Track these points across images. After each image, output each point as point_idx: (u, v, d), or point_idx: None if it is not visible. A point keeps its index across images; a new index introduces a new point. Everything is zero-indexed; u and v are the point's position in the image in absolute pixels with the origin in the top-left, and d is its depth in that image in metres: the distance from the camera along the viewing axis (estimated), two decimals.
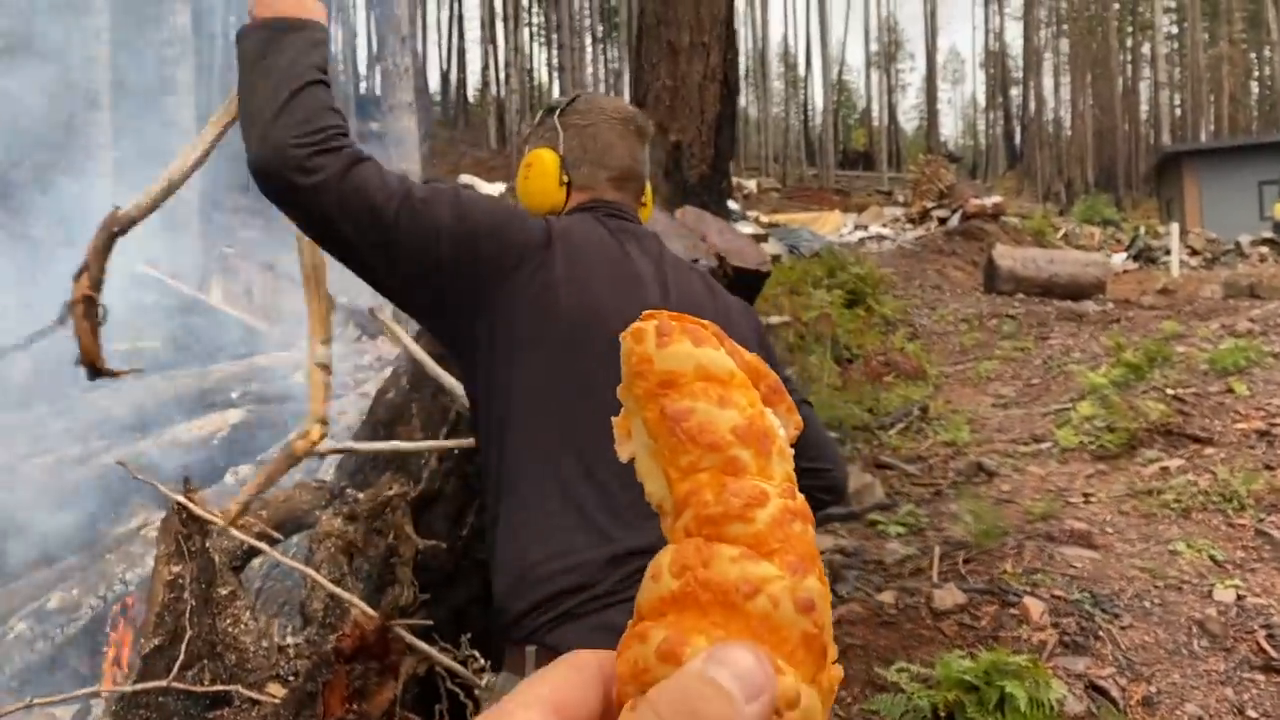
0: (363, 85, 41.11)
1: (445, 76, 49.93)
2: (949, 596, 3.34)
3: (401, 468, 2.00)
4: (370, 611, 1.52)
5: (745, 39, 49.66)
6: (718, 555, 0.35)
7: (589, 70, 39.66)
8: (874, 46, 57.95)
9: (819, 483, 1.68)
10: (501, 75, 41.95)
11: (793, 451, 0.40)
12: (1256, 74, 54.67)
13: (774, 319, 6.22)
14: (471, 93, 50.31)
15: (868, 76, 60.56)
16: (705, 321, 0.41)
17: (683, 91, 5.96)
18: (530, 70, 47.92)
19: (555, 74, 36.69)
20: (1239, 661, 2.96)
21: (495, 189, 18.03)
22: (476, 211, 1.48)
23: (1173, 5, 50.64)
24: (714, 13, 5.92)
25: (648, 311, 0.41)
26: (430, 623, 1.69)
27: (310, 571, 1.60)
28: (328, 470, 2.77)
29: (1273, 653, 2.96)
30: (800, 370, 7.34)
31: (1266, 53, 50.90)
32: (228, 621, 1.71)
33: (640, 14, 5.90)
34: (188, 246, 7.82)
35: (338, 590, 1.56)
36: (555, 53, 34.74)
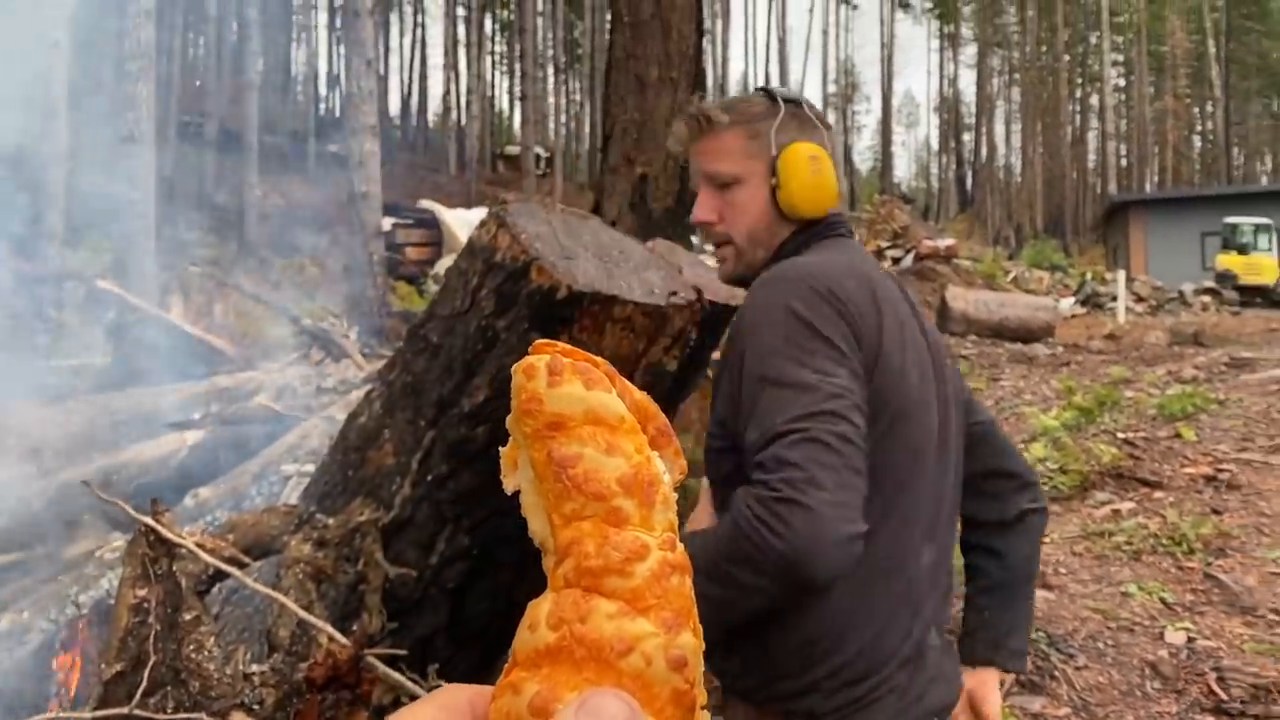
0: (323, 107, 40.96)
1: (406, 101, 49.84)
2: None
3: (372, 493, 1.98)
4: (342, 639, 1.50)
5: (707, 75, 50.17)
6: (594, 611, 0.35)
7: (551, 100, 39.85)
8: (831, 87, 58.91)
9: (1013, 484, 1.66)
10: (463, 102, 41.98)
11: (675, 497, 0.40)
12: (1199, 128, 56.41)
13: None
14: (432, 118, 50.28)
15: None
16: (597, 359, 0.40)
17: (650, 125, 6.01)
18: (492, 98, 48.02)
19: (517, 103, 36.95)
20: (1190, 704, 3.00)
21: (454, 215, 17.98)
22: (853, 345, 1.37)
23: (1121, 59, 52.20)
24: (682, 49, 5.99)
25: (540, 342, 0.40)
26: (403, 652, 1.66)
27: (281, 597, 1.57)
28: (290, 494, 2.73)
29: (1223, 695, 3.02)
30: None
31: (1209, 108, 52.61)
32: (192, 647, 1.68)
33: (610, 47, 5.95)
34: (144, 264, 7.70)
35: (309, 617, 1.54)
36: (517, 82, 34.96)
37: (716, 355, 1.73)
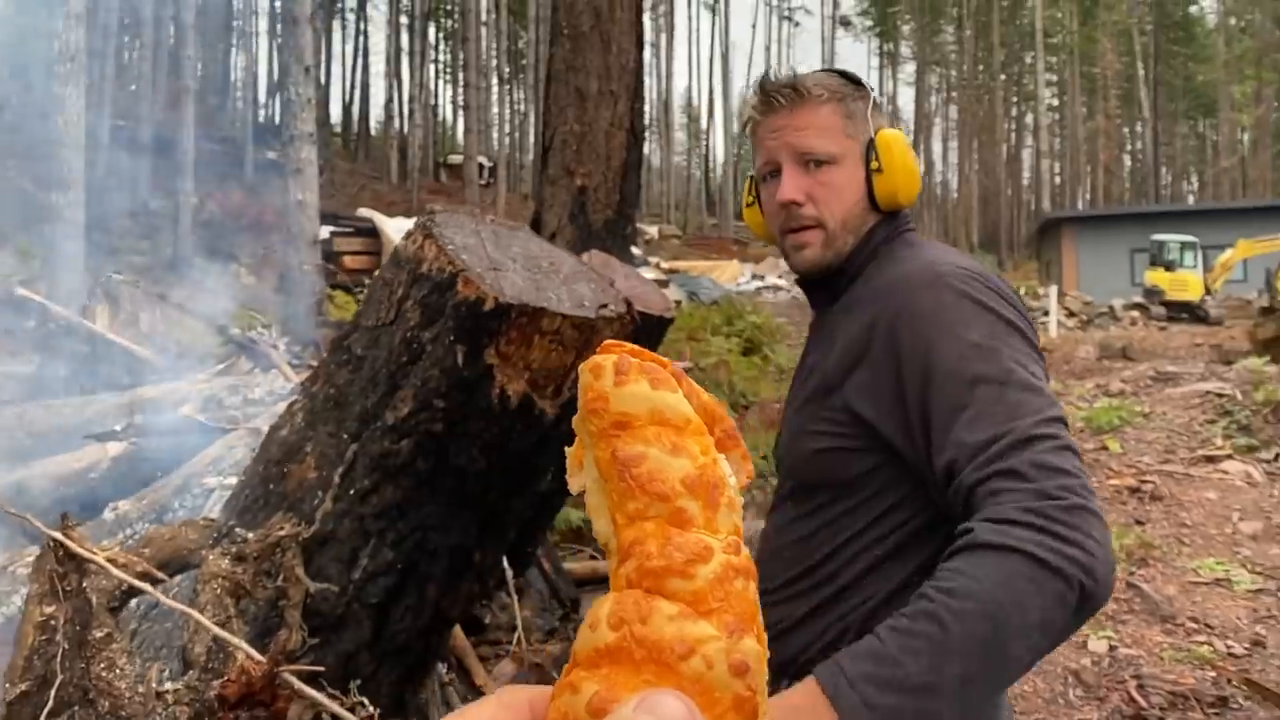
0: (262, 113, 40.33)
1: (348, 109, 49.33)
2: None
3: (294, 507, 1.95)
4: (257, 656, 1.47)
5: (650, 88, 50.44)
6: (656, 612, 0.35)
7: (494, 110, 39.71)
8: None
9: None
10: (405, 110, 41.65)
11: (741, 500, 0.39)
12: (1129, 147, 58.06)
13: (675, 365, 6.34)
14: (374, 126, 49.80)
15: None
16: (664, 360, 0.40)
17: (589, 137, 6.02)
18: (435, 107, 47.71)
19: (460, 112, 36.75)
20: (1111, 711, 3.07)
21: (394, 224, 17.80)
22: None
23: (1054, 79, 53.53)
24: (623, 63, 6.02)
25: (608, 342, 0.40)
26: (320, 669, 1.63)
27: (193, 613, 1.54)
28: (214, 508, 2.67)
29: (1143, 702, 3.09)
30: None
31: (1139, 128, 54.17)
32: (102, 666, 1.63)
33: (550, 59, 5.95)
34: (71, 270, 7.50)
35: (223, 633, 1.50)
36: (460, 91, 34.79)
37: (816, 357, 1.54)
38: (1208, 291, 22.69)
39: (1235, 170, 52.46)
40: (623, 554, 0.37)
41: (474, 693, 2.76)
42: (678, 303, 13.64)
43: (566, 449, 0.41)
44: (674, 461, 0.37)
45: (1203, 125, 59.37)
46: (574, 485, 0.41)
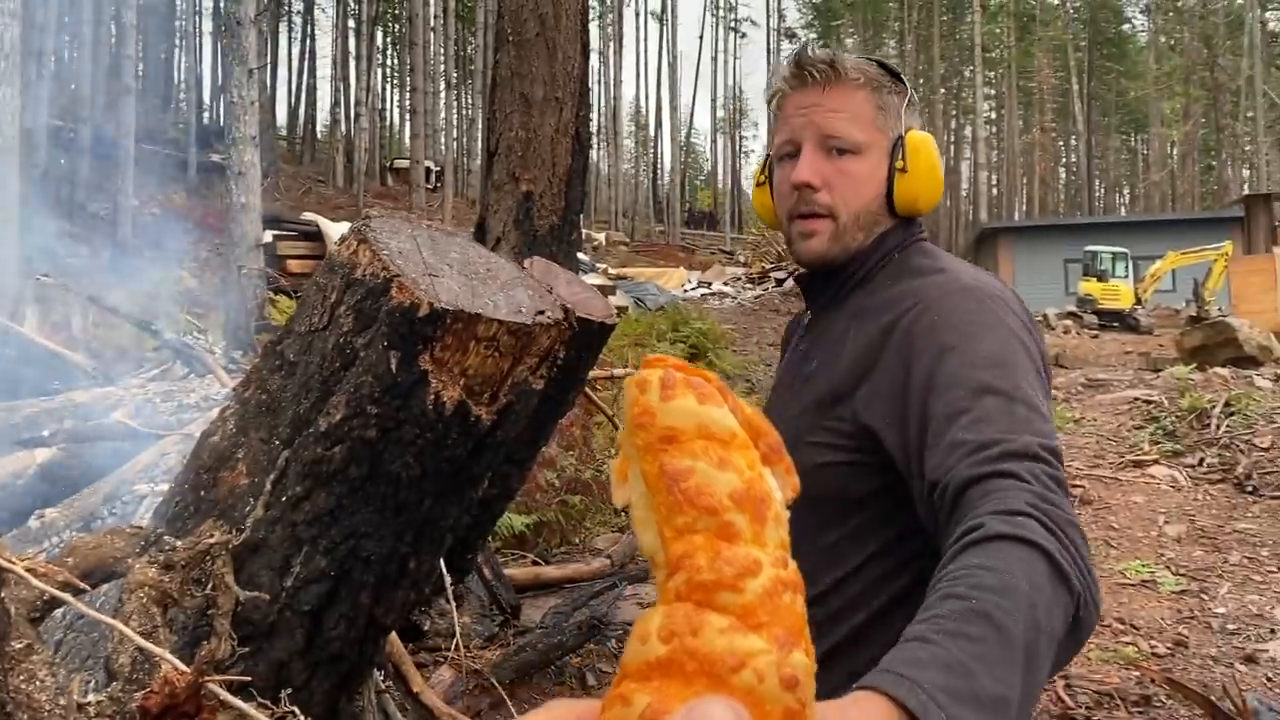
0: (206, 116, 39.65)
1: (294, 111, 48.66)
2: None
3: (224, 514, 1.92)
4: (181, 666, 1.45)
5: (598, 96, 50.55)
6: (707, 625, 0.35)
7: (442, 115, 39.44)
8: (721, 113, 59.98)
9: None
10: (352, 114, 41.21)
11: (787, 515, 0.40)
12: (1064, 160, 59.42)
13: (617, 371, 6.34)
14: (320, 129, 49.19)
15: (714, 141, 62.53)
16: (709, 375, 0.40)
17: (535, 144, 6.02)
18: (382, 111, 47.28)
19: (408, 116, 36.42)
20: (1039, 711, 3.14)
21: (339, 228, 17.60)
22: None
23: (992, 93, 54.63)
24: (568, 70, 6.03)
25: (653, 357, 0.41)
26: (248, 679, 1.62)
27: (116, 623, 1.51)
28: (145, 515, 2.63)
29: (1069, 701, 3.16)
30: None
31: (1073, 141, 55.48)
32: (21, 678, 1.60)
33: (495, 65, 5.94)
34: (2, 273, 7.30)
35: (145, 643, 1.48)
36: (408, 96, 34.50)
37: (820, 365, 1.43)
38: (1138, 301, 23.34)
39: (1165, 184, 53.90)
40: (671, 567, 0.37)
41: (411, 700, 2.75)
42: (624, 309, 13.67)
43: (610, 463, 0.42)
44: (721, 475, 0.37)
45: (1134, 140, 61.01)
46: (618, 499, 0.41)
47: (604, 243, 34.28)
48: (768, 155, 1.53)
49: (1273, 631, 4.40)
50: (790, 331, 1.72)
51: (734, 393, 0.41)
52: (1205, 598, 4.75)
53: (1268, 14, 47.76)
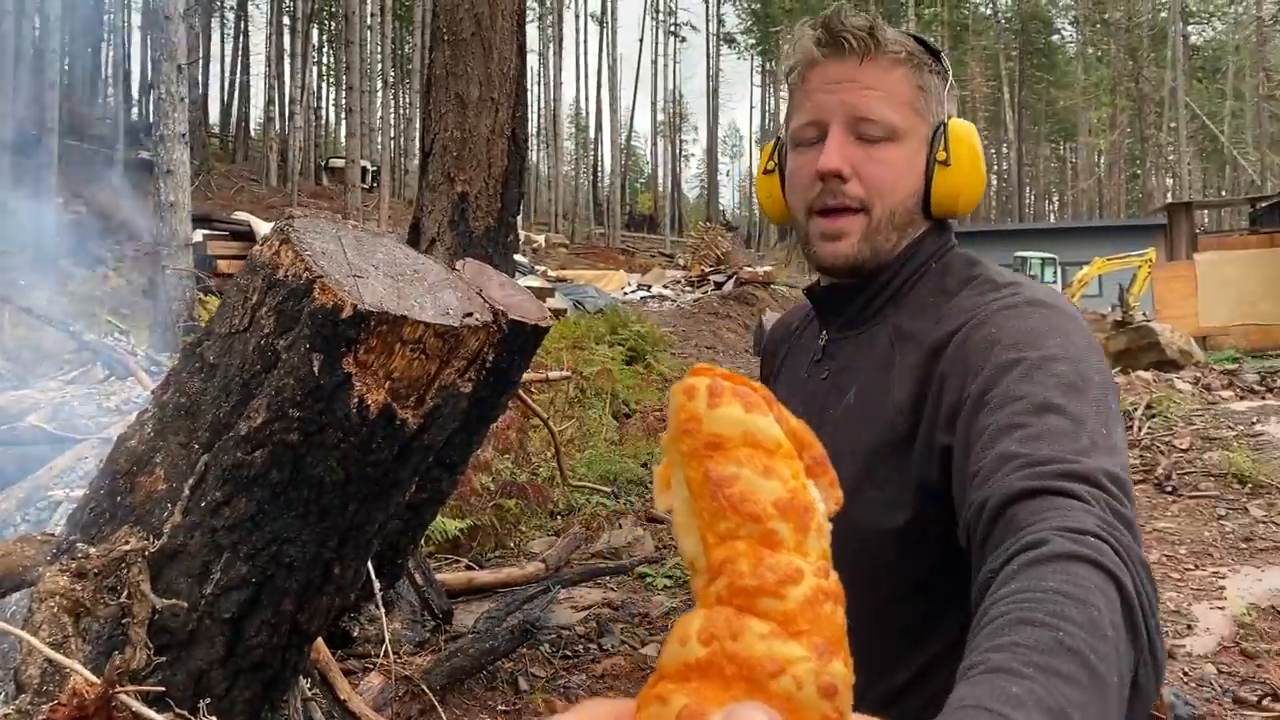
0: (135, 111, 38.69)
1: (226, 108, 47.69)
2: None
3: (141, 521, 1.88)
4: (91, 677, 1.41)
5: (537, 97, 50.40)
6: (747, 630, 0.35)
7: (379, 115, 38.97)
8: (661, 116, 60.21)
9: None
10: (286, 112, 40.54)
11: (830, 527, 0.39)
12: (996, 168, 60.69)
13: (554, 374, 6.32)
14: (254, 127, 48.28)
15: (654, 144, 62.78)
16: (755, 385, 0.40)
17: (470, 144, 5.98)
18: (318, 109, 46.58)
19: (344, 115, 35.91)
20: None
21: (271, 228, 17.31)
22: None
23: None
24: (504, 70, 5.99)
25: (700, 366, 0.41)
26: (162, 689, 1.58)
27: (23, 634, 1.47)
28: (60, 522, 2.55)
29: None
30: (578, 425, 7.42)
31: (1005, 149, 56.72)
32: None
33: (429, 64, 5.89)
34: None
35: (54, 654, 1.44)
36: (344, 94, 33.99)
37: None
38: None
39: (1093, 191, 55.42)
40: (713, 572, 0.37)
41: (338, 708, 2.70)
42: (562, 311, 13.64)
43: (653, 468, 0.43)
44: (766, 484, 0.38)
45: (1063, 148, 62.63)
46: (661, 504, 0.41)
47: (544, 245, 34.16)
48: (777, 138, 1.33)
49: (1189, 627, 4.54)
50: (777, 344, 1.53)
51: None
52: None
53: (1189, 28, 49.38)
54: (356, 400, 1.81)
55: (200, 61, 38.84)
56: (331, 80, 50.96)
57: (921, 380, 1.09)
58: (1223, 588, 4.91)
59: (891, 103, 1.16)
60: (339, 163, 34.12)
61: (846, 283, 1.24)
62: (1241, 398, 9.23)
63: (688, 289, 23.80)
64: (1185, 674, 4.09)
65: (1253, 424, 7.44)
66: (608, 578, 4.58)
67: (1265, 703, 3.74)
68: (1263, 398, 9.21)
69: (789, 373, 1.39)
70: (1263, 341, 19.71)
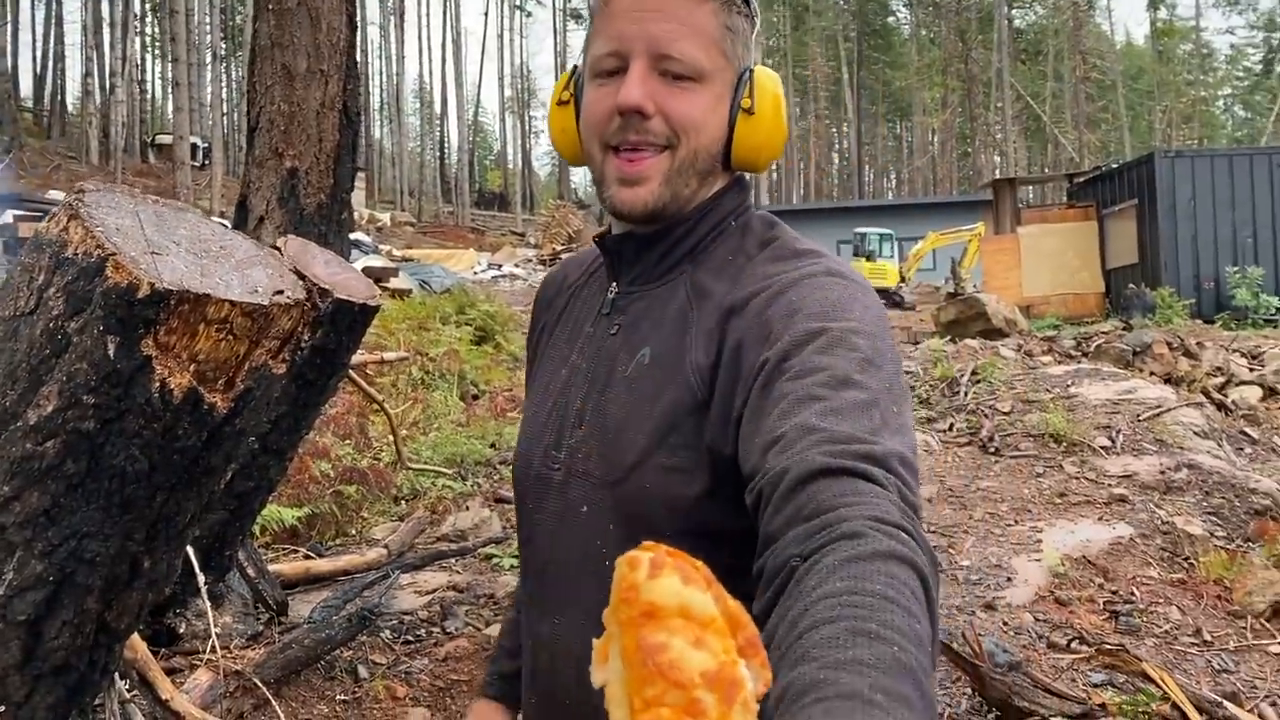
0: None
1: (39, 80, 44.49)
2: None
3: None
4: None
5: (378, 71, 49.00)
6: None
7: (209, 89, 37.03)
8: (509, 92, 59.43)
9: None
10: (106, 85, 38.08)
11: (757, 708, 0.40)
12: (837, 147, 62.70)
13: (389, 354, 6.14)
14: (72, 101, 45.22)
15: (503, 120, 61.92)
16: (697, 563, 0.42)
17: (299, 118, 5.74)
18: (142, 83, 43.94)
19: (170, 89, 33.81)
20: None
21: None
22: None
23: None
24: (333, 41, 5.77)
25: (648, 543, 0.42)
26: None
27: None
28: None
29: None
30: (424, 407, 7.28)
31: (845, 129, 58.65)
32: None
33: (254, 35, 5.63)
34: None
35: None
36: (170, 67, 32.03)
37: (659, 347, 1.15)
38: (902, 279, 25.06)
39: (927, 169, 57.94)
40: None
41: (161, 708, 2.59)
42: (407, 291, 13.35)
43: (594, 640, 0.44)
44: (696, 654, 0.38)
45: (900, 127, 65.20)
46: (597, 680, 0.42)
47: (389, 223, 33.34)
48: (575, 67, 1.23)
49: (1009, 580, 4.83)
50: (552, 296, 1.41)
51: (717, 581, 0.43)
52: (953, 552, 5.15)
53: (1013, 11, 52.08)
54: (158, 384, 1.72)
55: (7, 28, 36.07)
56: (157, 52, 48.20)
57: (719, 343, 1.06)
58: (1040, 541, 5.24)
59: (698, 40, 1.08)
60: (166, 139, 32.30)
61: (642, 232, 1.17)
62: (1059, 362, 9.83)
63: (540, 267, 23.70)
64: (1005, 624, 4.35)
65: (1068, 386, 7.95)
66: (453, 560, 4.52)
67: (1073, 645, 4.02)
68: (1078, 362, 9.83)
69: (569, 326, 1.29)
70: (1080, 309, 21.06)
